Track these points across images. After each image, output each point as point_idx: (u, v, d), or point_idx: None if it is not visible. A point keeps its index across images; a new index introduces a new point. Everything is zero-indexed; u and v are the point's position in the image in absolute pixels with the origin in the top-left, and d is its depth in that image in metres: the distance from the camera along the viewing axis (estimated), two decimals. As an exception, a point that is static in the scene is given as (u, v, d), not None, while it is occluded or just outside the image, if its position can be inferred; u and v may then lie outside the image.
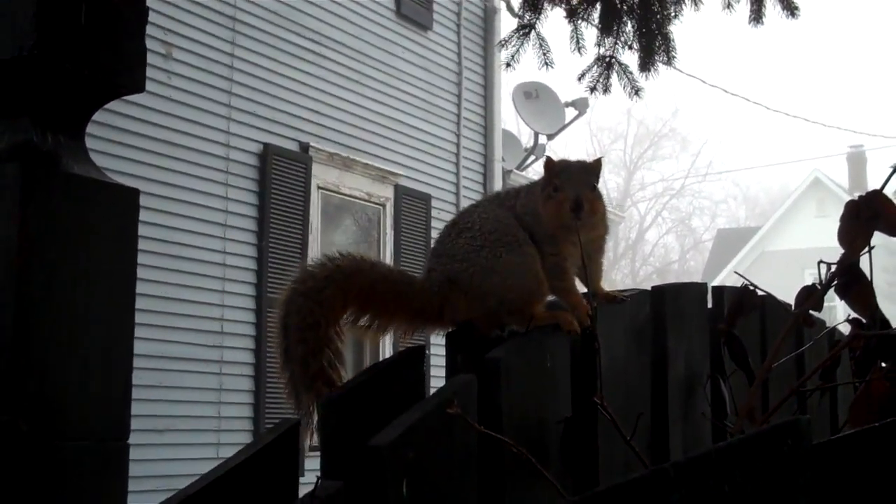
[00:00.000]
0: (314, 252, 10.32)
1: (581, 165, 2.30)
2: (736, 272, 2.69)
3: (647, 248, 52.83)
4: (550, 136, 15.48)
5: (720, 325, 2.44)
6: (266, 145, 9.97)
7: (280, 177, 10.06)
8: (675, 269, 49.83)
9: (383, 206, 11.50)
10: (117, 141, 8.46)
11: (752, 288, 2.37)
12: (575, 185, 2.22)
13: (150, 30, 1.98)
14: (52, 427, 1.58)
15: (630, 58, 6.06)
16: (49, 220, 1.62)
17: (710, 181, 57.48)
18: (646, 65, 5.99)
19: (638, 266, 50.81)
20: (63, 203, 1.65)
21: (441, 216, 11.80)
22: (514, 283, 2.21)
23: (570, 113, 15.46)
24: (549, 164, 2.29)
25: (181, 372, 8.99)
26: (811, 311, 2.20)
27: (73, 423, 1.62)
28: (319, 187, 10.57)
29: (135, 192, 1.77)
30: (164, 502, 1.65)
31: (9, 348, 1.53)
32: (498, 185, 12.90)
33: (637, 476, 1.42)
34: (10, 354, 1.53)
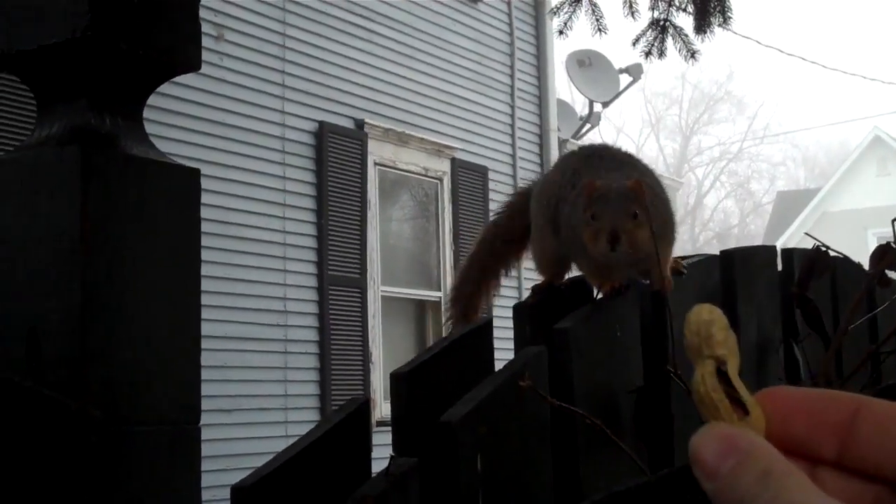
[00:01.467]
0: (374, 228, 10.33)
1: (621, 192, 2.01)
2: (807, 233, 2.63)
3: (706, 213, 52.40)
4: (605, 104, 15.36)
5: (793, 288, 2.39)
6: (321, 123, 9.97)
7: (336, 154, 10.07)
8: (735, 234, 49.39)
9: (440, 180, 11.46)
10: (172, 124, 8.50)
11: (823, 249, 2.31)
12: (612, 216, 1.99)
13: (201, 12, 1.96)
14: (122, 413, 1.57)
15: (685, 20, 5.97)
16: (110, 202, 1.61)
17: (768, 143, 56.49)
18: (701, 27, 5.89)
19: (698, 231, 50.43)
20: (124, 185, 1.64)
21: (498, 188, 11.75)
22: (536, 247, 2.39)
23: (625, 80, 15.32)
24: (590, 186, 2.03)
25: (246, 352, 9.04)
26: (885, 271, 2.15)
27: (144, 408, 1.61)
28: (376, 163, 10.56)
29: (195, 172, 1.76)
30: (242, 481, 1.65)
31: (76, 334, 1.53)
32: (554, 155, 12.78)
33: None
34: (78, 340, 1.53)
